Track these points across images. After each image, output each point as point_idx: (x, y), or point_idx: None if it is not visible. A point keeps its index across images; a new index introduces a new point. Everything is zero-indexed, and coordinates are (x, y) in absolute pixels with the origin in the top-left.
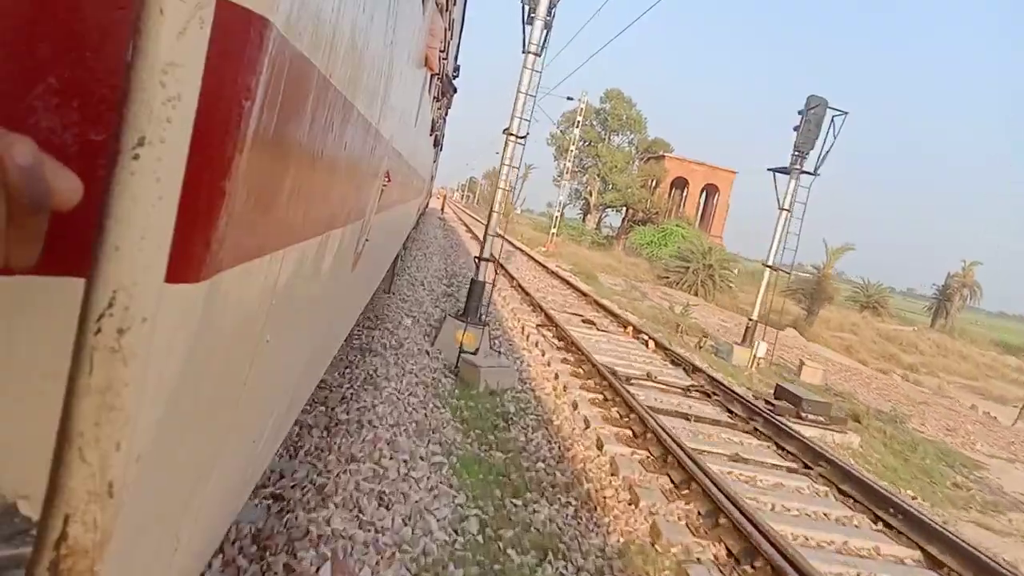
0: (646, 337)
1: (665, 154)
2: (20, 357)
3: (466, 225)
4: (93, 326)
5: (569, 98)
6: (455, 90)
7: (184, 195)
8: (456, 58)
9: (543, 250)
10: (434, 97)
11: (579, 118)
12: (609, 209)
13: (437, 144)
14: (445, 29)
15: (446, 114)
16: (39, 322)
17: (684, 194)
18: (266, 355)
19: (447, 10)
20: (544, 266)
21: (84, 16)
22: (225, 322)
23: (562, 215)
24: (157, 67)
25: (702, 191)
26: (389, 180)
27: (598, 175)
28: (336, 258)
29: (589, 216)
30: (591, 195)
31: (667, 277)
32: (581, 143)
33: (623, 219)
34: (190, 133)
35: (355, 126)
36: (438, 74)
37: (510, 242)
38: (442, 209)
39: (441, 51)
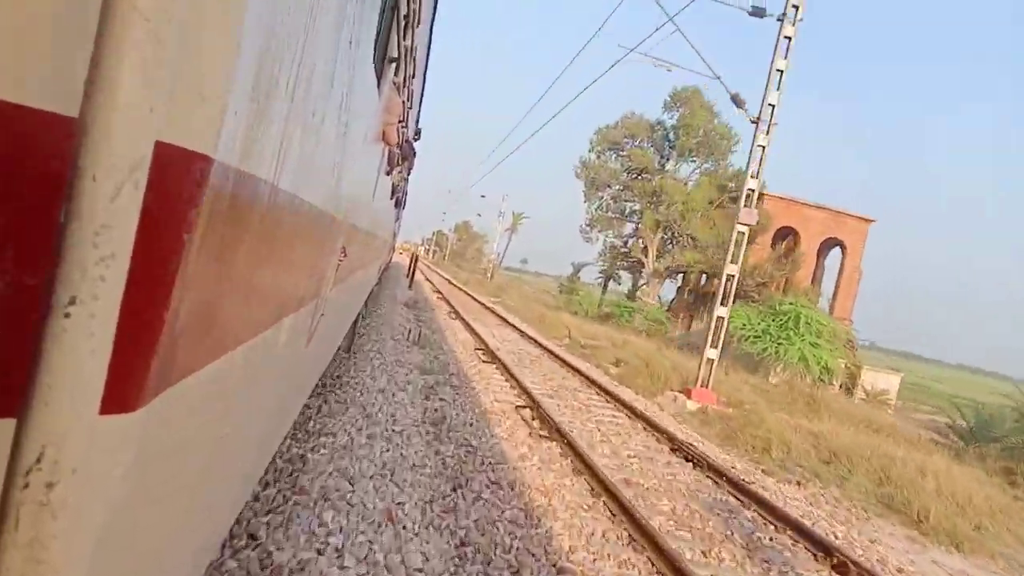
0: None
1: (764, 193)
2: None
3: (464, 319)
4: (21, 481)
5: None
6: (415, 153)
7: (119, 336)
8: (417, 122)
9: (695, 409)
10: (394, 164)
11: None
12: (670, 276)
13: (399, 204)
14: (403, 102)
15: (408, 175)
16: None
17: (790, 251)
18: (217, 452)
19: (406, 85)
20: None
21: (23, 171)
22: (168, 439)
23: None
24: (90, 229)
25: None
26: (345, 255)
27: (658, 223)
28: (289, 340)
29: (611, 281)
30: (646, 254)
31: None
32: (625, 175)
33: (680, 288)
34: (123, 287)
35: (307, 217)
36: (398, 143)
37: (589, 379)
38: (410, 278)
39: (401, 122)
